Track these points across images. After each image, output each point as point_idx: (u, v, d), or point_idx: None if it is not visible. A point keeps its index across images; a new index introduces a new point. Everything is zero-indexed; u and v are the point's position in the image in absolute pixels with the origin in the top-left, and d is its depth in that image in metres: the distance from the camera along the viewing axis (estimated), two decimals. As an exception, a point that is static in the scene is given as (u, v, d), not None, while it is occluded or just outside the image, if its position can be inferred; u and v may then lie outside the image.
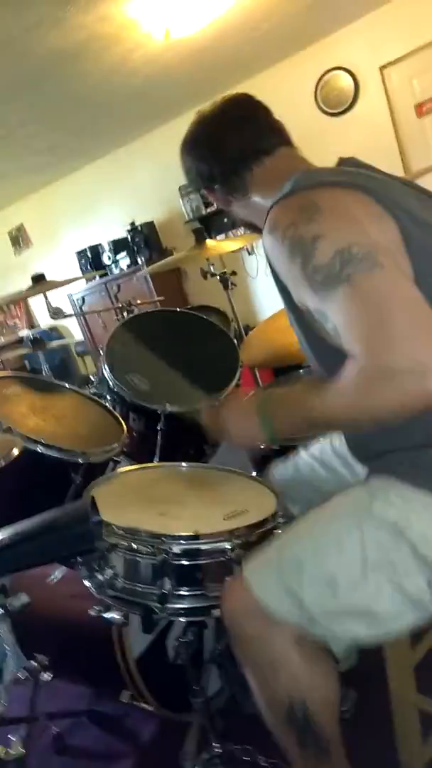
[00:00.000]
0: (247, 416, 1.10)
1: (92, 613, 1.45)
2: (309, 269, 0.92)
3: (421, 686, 1.28)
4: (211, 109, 1.19)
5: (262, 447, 1.15)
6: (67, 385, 1.86)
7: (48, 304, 2.20)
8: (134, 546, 1.15)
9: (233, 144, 1.15)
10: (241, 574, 1.07)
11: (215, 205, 5.62)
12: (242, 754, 1.42)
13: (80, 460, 1.51)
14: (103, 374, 1.84)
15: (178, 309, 2.07)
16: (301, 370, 1.92)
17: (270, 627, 1.01)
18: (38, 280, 2.25)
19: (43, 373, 2.32)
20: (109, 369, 1.79)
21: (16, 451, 1.11)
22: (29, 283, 2.44)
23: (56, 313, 2.20)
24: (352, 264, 0.88)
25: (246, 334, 2.74)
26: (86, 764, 1.71)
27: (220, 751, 1.40)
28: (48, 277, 2.46)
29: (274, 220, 1.00)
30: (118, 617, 1.41)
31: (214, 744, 1.41)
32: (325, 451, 1.40)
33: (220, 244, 2.45)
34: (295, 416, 1.05)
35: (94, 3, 2.86)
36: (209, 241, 2.24)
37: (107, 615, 1.43)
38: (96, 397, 1.82)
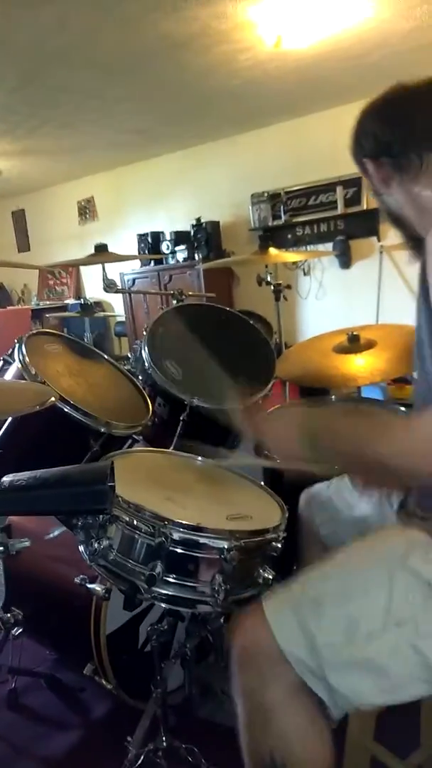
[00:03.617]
0: (287, 427, 1.05)
1: (77, 580, 1.47)
2: None
3: (378, 734, 1.27)
4: (418, 82, 1.04)
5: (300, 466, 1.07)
6: (105, 356, 1.88)
7: (104, 275, 2.24)
8: (136, 523, 1.16)
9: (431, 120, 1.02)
10: (260, 605, 1.00)
11: (281, 219, 5.50)
12: (186, 754, 1.43)
13: (103, 429, 1.52)
14: (140, 354, 1.86)
15: (227, 308, 2.08)
16: (333, 397, 1.92)
17: (274, 668, 0.94)
18: (101, 249, 2.29)
19: (85, 340, 2.35)
20: (148, 350, 1.81)
21: (52, 400, 1.13)
22: (87, 253, 2.47)
23: (110, 285, 2.23)
24: None
25: (284, 348, 2.75)
26: (33, 725, 1.72)
27: (166, 745, 1.41)
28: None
29: None
30: (100, 590, 1.43)
31: (162, 737, 1.41)
32: None
33: (282, 254, 2.46)
34: (344, 442, 0.99)
35: (215, -3, 2.90)
36: (272, 249, 2.26)
37: (90, 586, 1.45)
38: (130, 374, 1.84)
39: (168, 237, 5.77)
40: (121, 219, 6.58)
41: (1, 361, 1.62)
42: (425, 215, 1.03)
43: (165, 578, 1.16)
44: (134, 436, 1.65)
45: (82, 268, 7.08)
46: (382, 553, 1.00)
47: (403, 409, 1.85)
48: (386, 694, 0.93)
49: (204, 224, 5.53)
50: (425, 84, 1.04)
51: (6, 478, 0.84)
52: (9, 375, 1.61)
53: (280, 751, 0.95)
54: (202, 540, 1.16)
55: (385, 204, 1.11)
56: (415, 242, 1.08)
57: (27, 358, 1.55)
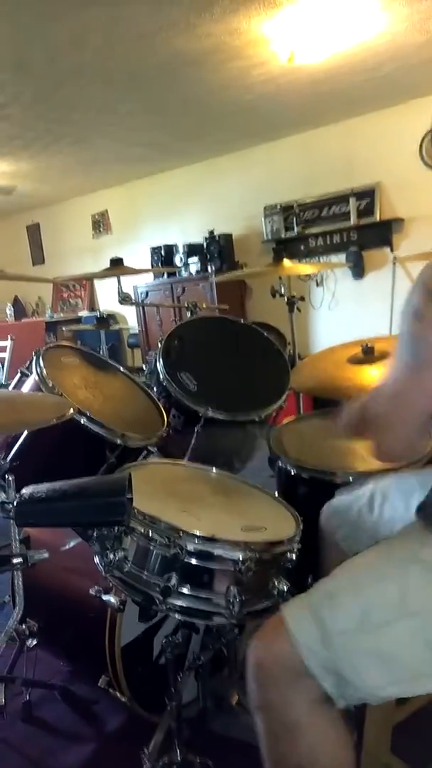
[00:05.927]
0: None
1: (92, 592, 1.47)
2: None
3: (395, 746, 1.26)
4: None
5: None
6: (121, 368, 1.90)
7: (119, 289, 2.27)
8: (151, 534, 1.17)
9: None
10: (277, 616, 0.99)
11: (293, 230, 5.51)
12: (201, 768, 1.41)
13: (119, 441, 1.53)
14: (155, 366, 1.88)
15: (242, 320, 2.09)
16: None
17: (296, 682, 0.93)
18: (116, 263, 2.32)
19: (100, 352, 2.37)
20: (163, 362, 1.82)
21: (71, 413, 1.14)
22: (101, 266, 2.50)
23: (125, 298, 2.26)
24: None
25: (298, 359, 2.75)
26: (47, 738, 1.72)
27: (180, 759, 1.40)
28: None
29: None
30: (115, 602, 1.43)
31: (177, 750, 1.41)
32: (390, 486, 1.34)
33: (296, 266, 2.47)
34: None
35: (228, 14, 2.94)
36: (286, 261, 2.27)
37: (105, 597, 1.45)
38: (145, 386, 1.86)
39: (181, 250, 5.81)
40: (135, 232, 6.64)
41: (19, 374, 1.64)
42: None
43: (180, 590, 1.16)
44: (149, 447, 1.66)
45: (96, 281, 7.14)
46: (396, 547, 1.01)
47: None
48: (396, 686, 0.93)
49: (217, 237, 5.56)
50: None
51: (26, 490, 0.85)
52: (26, 387, 1.63)
53: (308, 765, 0.95)
54: (216, 551, 1.16)
55: None
56: None
57: (44, 371, 1.57)
